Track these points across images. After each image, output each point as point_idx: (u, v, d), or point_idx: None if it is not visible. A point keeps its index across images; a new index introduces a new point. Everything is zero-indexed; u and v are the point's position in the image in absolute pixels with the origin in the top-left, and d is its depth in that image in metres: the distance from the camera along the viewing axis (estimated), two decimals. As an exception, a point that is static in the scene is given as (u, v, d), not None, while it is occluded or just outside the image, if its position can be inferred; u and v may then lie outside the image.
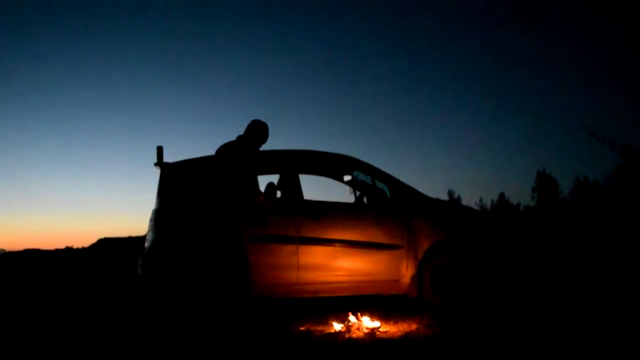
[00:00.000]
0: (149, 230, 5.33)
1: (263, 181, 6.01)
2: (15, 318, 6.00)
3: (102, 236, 24.77)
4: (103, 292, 8.51)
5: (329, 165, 6.21)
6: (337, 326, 4.77)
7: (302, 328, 4.83)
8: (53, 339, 4.77)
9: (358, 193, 6.47)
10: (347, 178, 6.37)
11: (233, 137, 5.12)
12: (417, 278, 5.35)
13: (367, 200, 6.25)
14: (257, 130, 5.10)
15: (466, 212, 6.12)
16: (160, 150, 5.53)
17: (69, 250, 24.25)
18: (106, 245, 21.93)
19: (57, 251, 22.92)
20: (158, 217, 5.29)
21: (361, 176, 6.08)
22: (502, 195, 56.59)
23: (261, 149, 5.23)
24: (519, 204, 52.14)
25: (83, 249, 23.54)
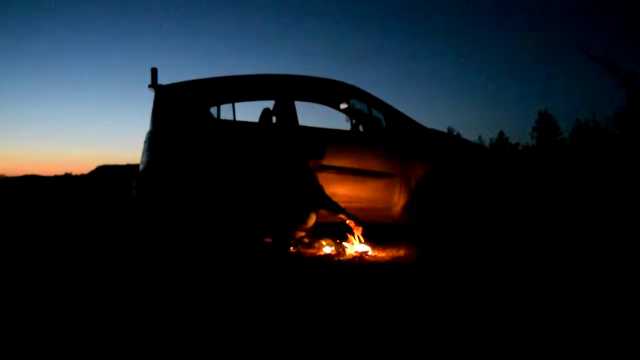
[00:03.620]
0: (143, 153, 5.33)
1: (259, 106, 5.99)
2: (15, 238, 6.12)
3: (101, 163, 24.88)
4: (99, 214, 8.63)
5: (326, 92, 6.13)
6: (328, 249, 4.87)
7: (292, 250, 4.93)
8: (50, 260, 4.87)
9: (354, 121, 6.44)
10: (343, 106, 6.31)
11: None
12: (409, 206, 5.41)
13: (363, 129, 6.22)
14: None
15: (462, 144, 6.09)
16: (154, 72, 5.45)
17: (68, 176, 24.43)
18: (105, 172, 22.05)
19: (56, 177, 23.08)
20: (152, 139, 5.28)
21: (358, 104, 6.02)
22: (501, 133, 56.12)
23: (256, 73, 5.16)
24: (517, 143, 51.86)
25: (82, 175, 23.69)
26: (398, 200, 5.45)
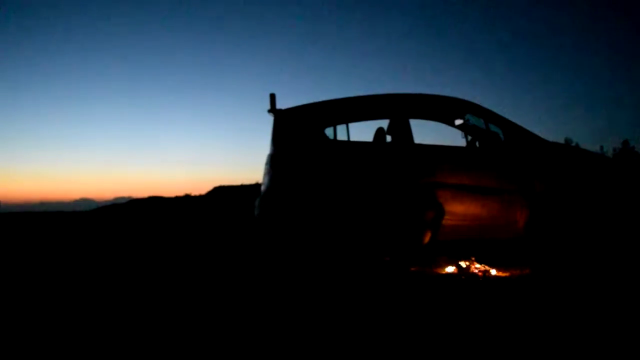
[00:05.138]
0: (264, 175, 5.58)
1: (372, 126, 6.07)
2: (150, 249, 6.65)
3: (217, 184, 26.23)
4: (221, 232, 9.11)
5: (440, 108, 6.08)
6: (449, 269, 4.81)
7: (413, 269, 4.92)
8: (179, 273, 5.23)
9: (469, 137, 6.32)
10: (458, 122, 6.22)
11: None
12: (531, 223, 5.20)
13: (480, 145, 6.09)
14: None
15: (584, 155, 5.75)
16: (273, 97, 5.70)
17: (187, 197, 25.97)
18: (221, 193, 23.22)
19: (177, 198, 24.67)
20: (273, 161, 5.51)
21: (473, 120, 5.91)
22: (625, 142, 51.77)
23: (369, 93, 5.24)
24: (645, 151, 47.70)
25: (200, 196, 25.09)
26: (519, 217, 5.24)
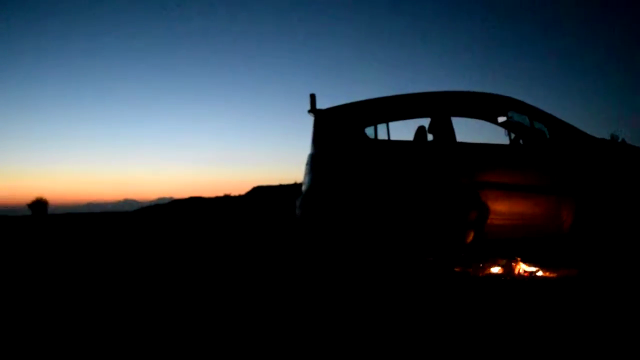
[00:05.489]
0: (305, 175, 5.59)
1: (413, 125, 6.01)
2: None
3: (256, 184, 26.41)
4: (263, 231, 9.20)
5: (482, 106, 5.97)
6: (495, 269, 4.73)
7: (457, 269, 4.86)
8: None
9: (513, 135, 6.19)
10: (501, 119, 6.10)
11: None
12: (579, 223, 5.05)
13: (524, 142, 5.96)
14: None
15: (635, 153, 5.55)
16: (313, 97, 5.71)
17: (227, 197, 26.26)
18: (260, 193, 23.41)
19: (217, 198, 24.99)
20: (314, 161, 5.52)
21: (517, 117, 5.78)
22: (677, 138, 49.75)
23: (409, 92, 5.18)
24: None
25: (239, 196, 25.34)
26: (566, 217, 5.11)
